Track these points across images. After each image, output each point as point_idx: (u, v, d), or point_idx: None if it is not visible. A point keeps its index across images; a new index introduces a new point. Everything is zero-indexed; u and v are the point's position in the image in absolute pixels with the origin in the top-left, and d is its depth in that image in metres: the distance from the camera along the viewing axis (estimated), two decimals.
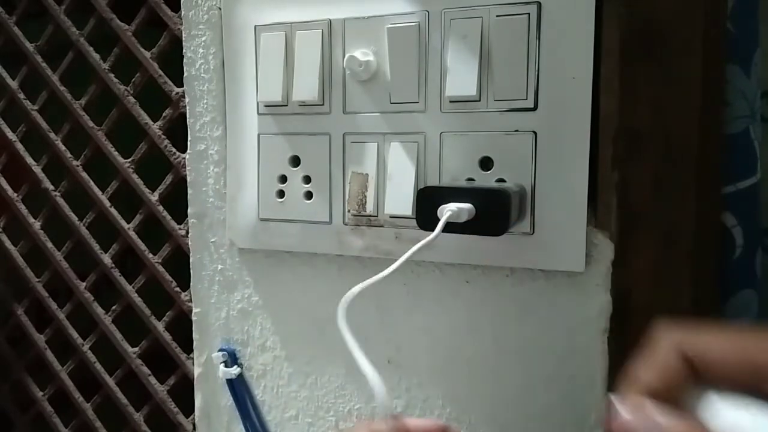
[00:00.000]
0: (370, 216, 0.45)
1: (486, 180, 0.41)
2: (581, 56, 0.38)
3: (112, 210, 0.62)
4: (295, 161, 0.47)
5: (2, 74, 0.68)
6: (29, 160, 0.67)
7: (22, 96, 0.67)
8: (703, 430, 0.24)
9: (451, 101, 0.42)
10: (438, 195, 0.37)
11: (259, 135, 0.48)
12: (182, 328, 0.58)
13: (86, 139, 0.62)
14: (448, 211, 0.35)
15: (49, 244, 0.67)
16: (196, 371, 0.55)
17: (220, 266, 0.53)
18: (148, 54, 0.57)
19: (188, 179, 0.54)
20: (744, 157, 0.40)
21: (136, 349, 0.63)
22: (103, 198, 0.62)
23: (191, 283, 0.55)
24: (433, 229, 0.36)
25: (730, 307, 0.41)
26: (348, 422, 0.49)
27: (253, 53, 0.48)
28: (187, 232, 0.55)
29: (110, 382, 0.65)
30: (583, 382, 0.41)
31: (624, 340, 0.40)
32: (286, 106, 0.47)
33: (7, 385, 0.74)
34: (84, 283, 0.65)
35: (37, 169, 0.67)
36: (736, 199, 0.40)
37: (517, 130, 0.40)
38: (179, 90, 0.55)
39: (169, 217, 0.58)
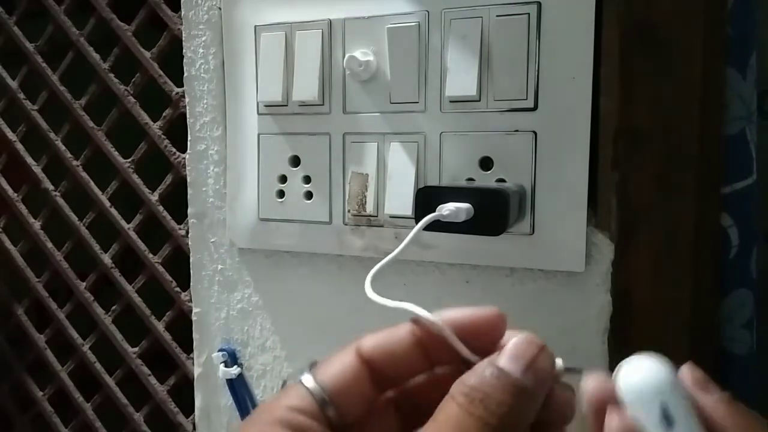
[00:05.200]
0: (370, 216, 0.45)
1: (486, 180, 0.41)
2: (581, 56, 0.38)
3: (112, 210, 0.62)
4: (295, 161, 0.47)
5: (2, 74, 0.68)
6: (29, 160, 0.67)
7: (22, 96, 0.67)
8: None
9: (451, 101, 0.42)
10: (437, 195, 0.37)
11: (259, 135, 0.48)
12: (182, 328, 0.58)
13: (86, 139, 0.62)
14: (445, 209, 0.35)
15: (49, 244, 0.67)
16: (196, 371, 0.55)
17: (220, 266, 0.53)
18: (148, 54, 0.57)
19: (188, 179, 0.54)
20: (740, 159, 0.40)
21: (136, 349, 0.63)
22: (103, 198, 0.62)
23: (191, 283, 0.55)
24: (432, 229, 0.36)
25: (725, 305, 0.41)
26: None
27: (253, 53, 0.48)
28: (187, 232, 0.55)
29: (110, 382, 0.65)
30: None
31: (624, 340, 0.40)
32: (286, 106, 0.47)
33: (7, 385, 0.74)
34: (84, 283, 0.65)
35: (37, 169, 0.67)
36: (732, 199, 0.40)
37: (517, 130, 0.40)
38: (179, 90, 0.55)
39: (169, 217, 0.58)
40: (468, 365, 0.25)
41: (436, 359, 0.26)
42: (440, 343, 0.26)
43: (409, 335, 0.26)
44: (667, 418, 0.24)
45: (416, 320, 0.27)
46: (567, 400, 0.25)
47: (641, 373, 0.24)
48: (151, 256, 0.60)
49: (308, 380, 0.26)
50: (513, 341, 0.24)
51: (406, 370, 0.26)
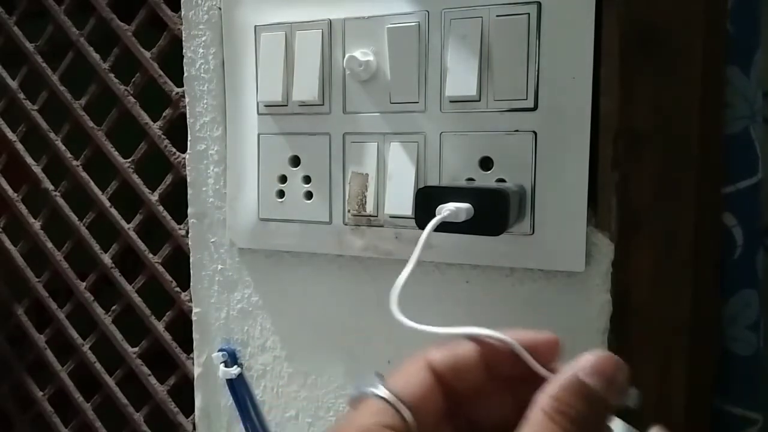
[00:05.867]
0: (370, 216, 0.45)
1: (486, 180, 0.41)
2: (581, 56, 0.38)
3: (112, 210, 0.62)
4: (295, 161, 0.47)
5: (2, 74, 0.68)
6: (29, 160, 0.67)
7: (22, 96, 0.67)
8: None
9: (451, 101, 0.42)
10: (437, 195, 0.37)
11: (259, 135, 0.48)
12: (182, 328, 0.58)
13: (86, 139, 0.62)
14: (445, 210, 0.35)
15: (49, 244, 0.67)
16: (196, 371, 0.55)
17: (220, 266, 0.53)
18: (148, 54, 0.57)
19: (188, 179, 0.54)
20: (744, 158, 0.40)
21: (136, 349, 0.63)
22: (103, 198, 0.62)
23: (191, 283, 0.55)
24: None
25: (730, 306, 0.41)
26: None
27: (253, 53, 0.48)
28: (187, 232, 0.55)
29: (110, 382, 0.65)
30: None
31: (624, 340, 0.40)
32: (286, 106, 0.47)
33: (7, 385, 0.74)
34: (84, 283, 0.65)
35: (37, 169, 0.67)
36: (736, 199, 0.40)
37: (517, 130, 0.40)
38: (179, 90, 0.55)
39: (169, 217, 0.58)
40: (535, 379, 0.26)
41: (496, 374, 0.27)
42: (502, 359, 0.27)
43: (476, 351, 0.27)
44: None
45: (477, 338, 0.27)
46: None
47: None
48: (151, 256, 0.60)
49: (389, 395, 0.26)
50: (593, 357, 0.25)
51: (472, 385, 0.27)
